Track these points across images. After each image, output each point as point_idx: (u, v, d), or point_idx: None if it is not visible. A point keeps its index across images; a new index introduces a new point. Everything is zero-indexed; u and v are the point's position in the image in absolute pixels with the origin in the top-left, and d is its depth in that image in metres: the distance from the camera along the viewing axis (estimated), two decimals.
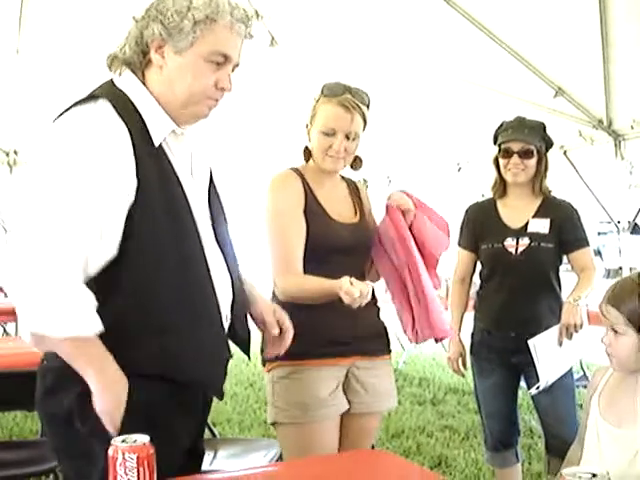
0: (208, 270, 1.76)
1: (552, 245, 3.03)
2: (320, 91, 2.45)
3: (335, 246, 2.38)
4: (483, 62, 5.70)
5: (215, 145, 7.19)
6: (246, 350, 1.98)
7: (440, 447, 4.64)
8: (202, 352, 1.74)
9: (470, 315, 3.26)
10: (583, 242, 3.10)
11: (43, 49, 6.07)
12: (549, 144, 3.12)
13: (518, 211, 3.10)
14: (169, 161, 1.74)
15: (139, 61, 1.74)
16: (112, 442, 1.42)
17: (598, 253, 18.73)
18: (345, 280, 2.08)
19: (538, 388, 2.90)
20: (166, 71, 1.72)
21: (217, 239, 1.85)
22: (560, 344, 2.88)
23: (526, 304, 3.00)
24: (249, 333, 1.98)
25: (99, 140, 1.62)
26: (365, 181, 8.40)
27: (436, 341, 2.49)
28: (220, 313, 1.79)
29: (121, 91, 1.73)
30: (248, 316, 2.00)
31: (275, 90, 6.65)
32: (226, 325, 1.84)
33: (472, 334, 3.21)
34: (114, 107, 1.66)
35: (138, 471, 1.42)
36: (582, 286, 3.00)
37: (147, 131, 1.69)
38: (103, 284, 1.63)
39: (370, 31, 5.86)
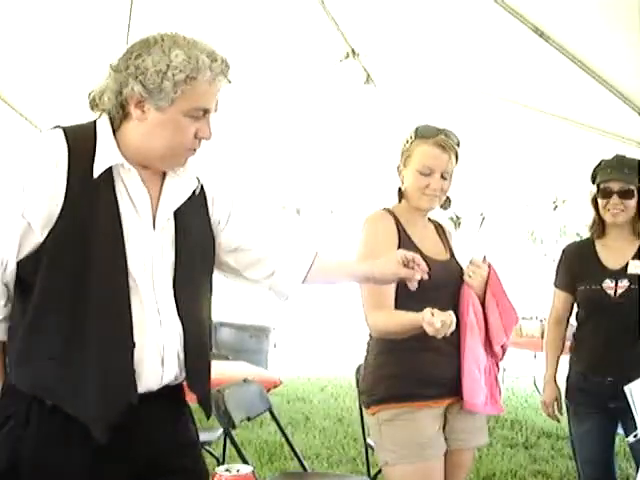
0: (129, 309, 1.72)
1: None
2: (413, 133, 2.52)
3: (430, 281, 2.40)
4: (582, 99, 5.60)
5: (306, 182, 7.26)
6: (204, 406, 1.94)
7: None
8: (87, 385, 1.69)
9: (566, 358, 3.18)
10: None
11: None
12: None
13: (617, 252, 3.02)
14: (115, 197, 1.74)
15: (117, 112, 1.76)
16: (215, 470, 1.45)
17: None
18: (426, 311, 2.12)
19: (636, 436, 2.79)
20: (147, 125, 1.75)
21: (175, 290, 1.82)
22: None
23: (624, 348, 2.90)
24: (207, 389, 1.94)
25: (28, 167, 1.69)
26: (458, 218, 8.35)
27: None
28: (132, 357, 1.73)
29: (94, 128, 1.77)
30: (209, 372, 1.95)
31: (369, 128, 6.69)
32: (159, 369, 1.78)
33: (567, 377, 3.13)
34: (66, 136, 1.72)
35: None
36: None
37: (93, 162, 1.72)
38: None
39: (465, 68, 5.85)
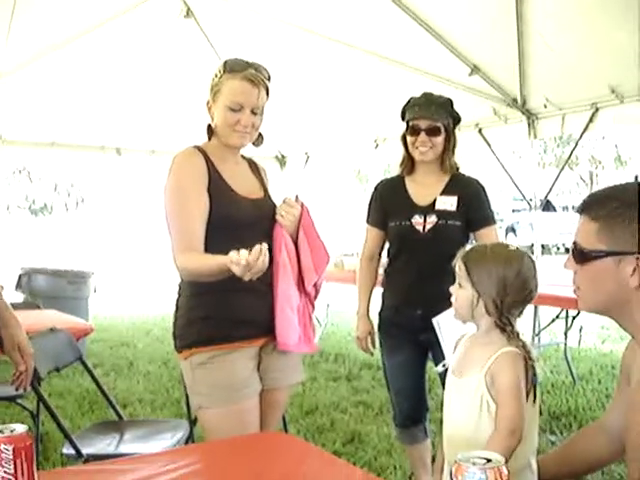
0: None
1: (459, 223, 3.02)
2: (222, 67, 2.42)
3: (241, 220, 2.39)
4: (400, 39, 5.70)
5: (126, 121, 6.99)
6: None
7: (354, 423, 4.67)
8: None
9: (379, 292, 3.24)
10: (489, 220, 3.10)
11: None
12: (457, 120, 3.10)
13: (426, 188, 3.08)
14: None
15: None
16: None
17: (512, 230, 19.38)
18: (233, 252, 2.06)
19: (445, 366, 2.90)
20: None
21: None
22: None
23: (433, 282, 2.93)
24: None
25: None
26: (283, 157, 8.36)
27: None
28: None
29: None
30: None
31: (189, 64, 6.51)
32: None
33: (380, 311, 3.20)
34: None
35: (15, 463, 1.36)
36: None
37: None
38: None
39: (286, 7, 5.79)
